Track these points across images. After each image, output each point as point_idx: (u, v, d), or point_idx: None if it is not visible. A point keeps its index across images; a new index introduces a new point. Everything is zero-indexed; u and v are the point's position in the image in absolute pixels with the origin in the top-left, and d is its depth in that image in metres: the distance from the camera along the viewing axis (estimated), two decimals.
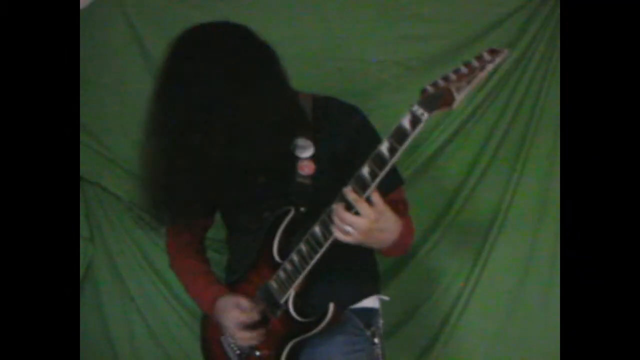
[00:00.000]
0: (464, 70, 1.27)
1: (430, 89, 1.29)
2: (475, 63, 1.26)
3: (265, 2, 2.13)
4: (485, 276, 2.12)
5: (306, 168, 1.56)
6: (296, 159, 1.57)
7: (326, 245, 1.45)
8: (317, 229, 1.46)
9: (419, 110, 1.29)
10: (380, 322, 1.66)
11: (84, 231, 2.25)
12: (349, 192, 1.36)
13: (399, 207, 1.56)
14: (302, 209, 1.56)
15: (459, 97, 1.25)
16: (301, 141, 1.58)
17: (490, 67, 1.25)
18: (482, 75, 1.25)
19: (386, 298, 1.69)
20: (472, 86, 1.25)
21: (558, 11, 2.01)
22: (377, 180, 1.34)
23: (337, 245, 1.45)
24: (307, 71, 2.04)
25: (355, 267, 1.63)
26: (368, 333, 1.61)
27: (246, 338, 1.61)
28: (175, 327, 2.27)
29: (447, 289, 2.16)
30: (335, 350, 1.58)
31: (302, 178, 1.56)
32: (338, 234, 1.39)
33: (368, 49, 2.11)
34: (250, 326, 1.60)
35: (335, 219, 1.39)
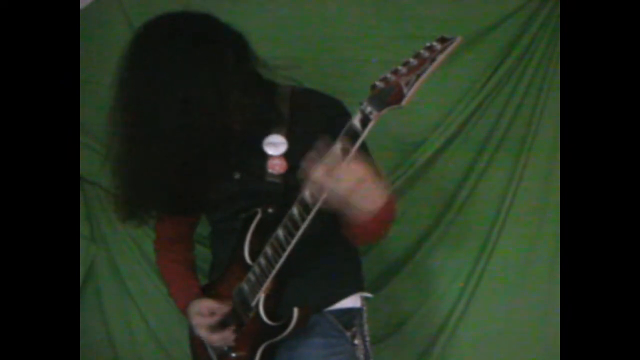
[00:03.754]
0: (413, 62, 1.21)
1: (379, 84, 1.25)
2: (426, 53, 1.20)
3: (266, 3, 2.13)
4: (486, 276, 2.11)
5: (277, 167, 1.52)
6: (267, 156, 1.52)
7: (289, 249, 1.42)
8: (280, 233, 1.43)
9: (367, 108, 1.24)
10: (364, 321, 1.63)
11: (84, 231, 2.25)
12: (336, 149, 1.27)
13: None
14: (270, 210, 1.52)
15: (409, 94, 1.19)
16: (273, 138, 1.53)
17: (441, 58, 1.18)
18: (432, 67, 1.18)
19: (369, 295, 1.66)
20: (422, 80, 1.19)
21: (558, 11, 2.01)
22: None
23: (311, 245, 1.42)
24: (306, 71, 2.05)
25: (332, 266, 1.59)
26: (348, 334, 1.59)
27: (215, 340, 1.62)
28: (176, 327, 2.27)
29: (447, 289, 2.16)
30: (313, 353, 1.55)
31: (273, 177, 1.52)
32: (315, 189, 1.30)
33: (368, 49, 2.11)
34: (217, 327, 1.60)
35: (317, 174, 1.27)
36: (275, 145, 1.52)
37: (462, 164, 2.13)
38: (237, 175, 1.58)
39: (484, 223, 2.12)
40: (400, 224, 2.12)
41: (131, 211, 1.63)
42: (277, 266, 1.46)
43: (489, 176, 2.12)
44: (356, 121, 1.26)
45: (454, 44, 1.18)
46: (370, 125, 1.24)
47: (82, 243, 2.23)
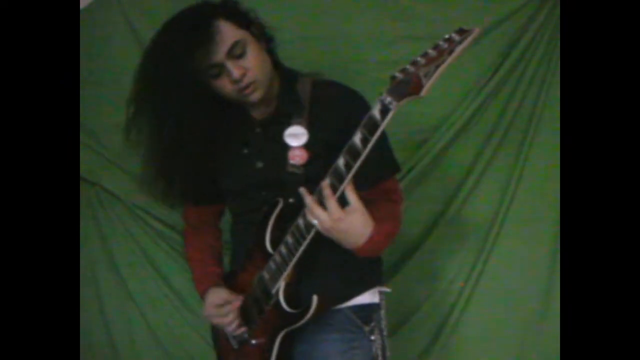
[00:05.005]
0: (432, 53, 1.24)
1: (399, 75, 1.28)
2: (444, 45, 1.23)
3: (266, 2, 2.12)
4: (485, 276, 2.12)
5: (297, 157, 1.54)
6: (288, 147, 1.55)
7: (309, 237, 1.45)
8: (300, 221, 1.46)
9: (387, 99, 1.28)
10: (382, 316, 1.65)
11: (84, 231, 2.25)
12: (325, 187, 1.38)
13: (390, 196, 1.58)
14: (291, 199, 1.54)
15: (428, 84, 1.23)
16: (294, 129, 1.55)
17: (459, 49, 1.22)
18: (451, 58, 1.22)
19: (387, 289, 1.68)
20: (440, 71, 1.22)
21: (558, 11, 2.01)
22: (352, 171, 1.35)
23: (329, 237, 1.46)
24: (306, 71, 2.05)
25: (352, 259, 1.58)
26: (366, 329, 1.60)
27: (231, 330, 1.65)
28: (177, 326, 2.27)
29: (447, 289, 2.16)
30: (330, 348, 1.57)
31: (294, 167, 1.54)
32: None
33: (368, 49, 2.11)
34: (234, 317, 1.64)
35: (306, 209, 1.42)
36: (296, 136, 1.55)
37: (463, 163, 2.14)
38: (259, 165, 1.61)
39: (484, 222, 2.12)
40: (402, 222, 2.13)
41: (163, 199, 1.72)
42: (298, 254, 1.48)
43: (490, 175, 2.12)
44: (375, 112, 1.30)
45: (472, 35, 1.21)
46: (390, 115, 1.28)
47: (82, 243, 2.23)
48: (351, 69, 2.10)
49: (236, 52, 1.50)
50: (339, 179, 1.38)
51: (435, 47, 1.24)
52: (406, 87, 1.25)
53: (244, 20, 1.56)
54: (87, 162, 2.21)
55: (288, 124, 1.56)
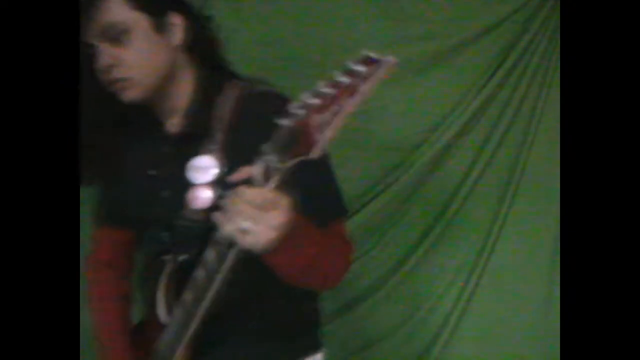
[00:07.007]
0: (329, 92, 0.88)
1: (285, 122, 0.93)
2: (345, 81, 0.88)
3: (265, 2, 2.13)
4: (485, 276, 2.12)
5: (198, 200, 1.16)
6: (190, 185, 1.18)
7: (212, 291, 1.10)
8: (199, 273, 1.12)
9: (270, 157, 0.95)
10: None
11: (83, 231, 2.25)
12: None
13: (333, 240, 1.18)
14: (183, 257, 1.20)
15: (322, 141, 0.88)
16: (200, 160, 1.18)
17: (364, 89, 0.87)
18: (353, 102, 0.87)
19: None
20: (339, 119, 0.87)
21: (558, 11, 2.02)
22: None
23: (250, 298, 1.20)
24: (306, 71, 2.05)
25: (277, 323, 1.27)
26: None
27: None
28: None
29: (447, 289, 2.16)
30: None
31: (192, 214, 1.18)
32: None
33: (368, 49, 2.11)
34: None
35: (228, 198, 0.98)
36: (203, 170, 1.18)
37: (462, 164, 2.14)
38: (165, 194, 1.25)
39: (484, 221, 2.13)
40: (400, 224, 2.13)
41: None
42: (199, 315, 1.15)
43: (489, 175, 2.12)
44: (257, 173, 0.96)
45: (383, 69, 0.92)
46: (276, 179, 0.95)
47: (82, 243, 2.23)
48: None
49: (110, 34, 1.18)
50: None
51: (334, 83, 0.89)
52: (293, 143, 0.91)
53: (156, 5, 1.20)
54: None
55: (197, 149, 1.19)
